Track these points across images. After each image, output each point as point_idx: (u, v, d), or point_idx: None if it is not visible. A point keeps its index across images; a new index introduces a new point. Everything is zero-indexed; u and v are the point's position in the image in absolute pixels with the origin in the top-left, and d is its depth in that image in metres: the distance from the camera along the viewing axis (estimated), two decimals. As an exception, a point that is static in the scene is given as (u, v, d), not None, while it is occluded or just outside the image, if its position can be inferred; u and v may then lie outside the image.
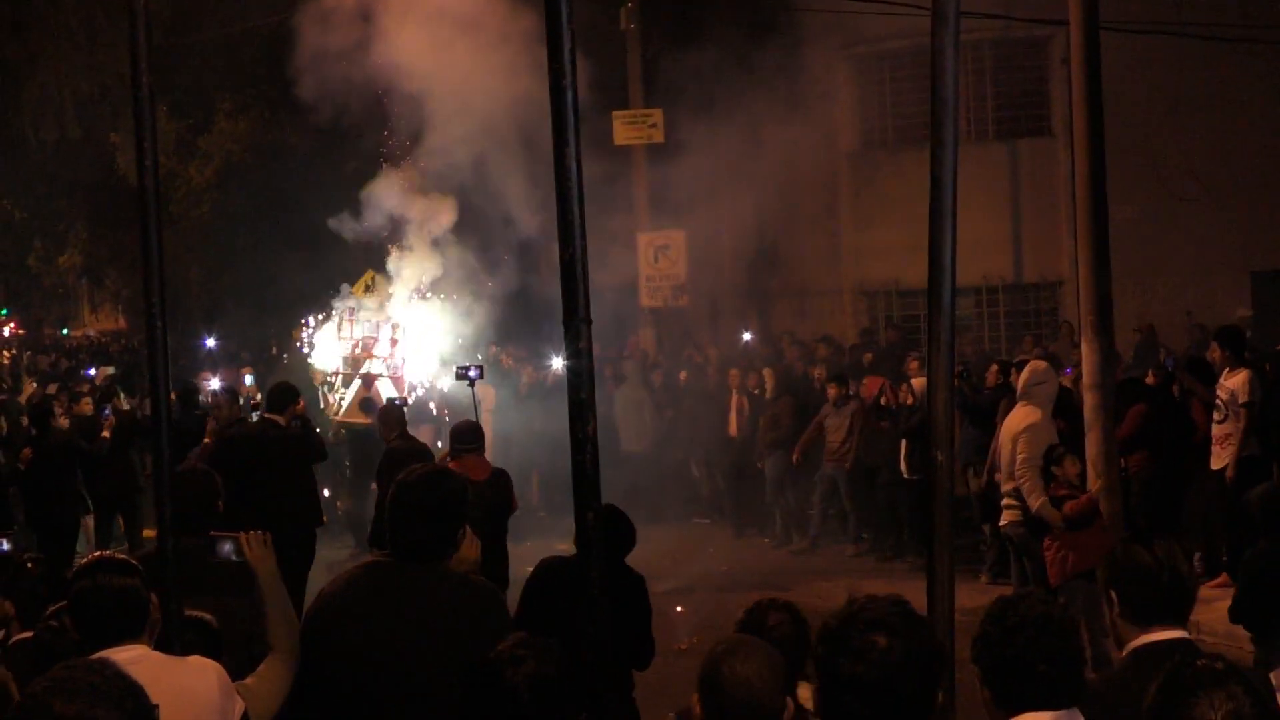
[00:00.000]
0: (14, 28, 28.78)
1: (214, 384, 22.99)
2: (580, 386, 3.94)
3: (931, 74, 5.72)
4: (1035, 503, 13.35)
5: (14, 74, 29.60)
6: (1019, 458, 13.57)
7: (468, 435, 12.82)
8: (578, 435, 3.94)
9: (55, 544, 16.10)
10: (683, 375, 24.30)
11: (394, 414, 16.41)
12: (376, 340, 21.47)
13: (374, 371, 21.09)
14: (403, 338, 21.65)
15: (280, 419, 16.35)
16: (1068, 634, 5.04)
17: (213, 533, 6.95)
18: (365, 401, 20.27)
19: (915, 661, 4.15)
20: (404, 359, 21.60)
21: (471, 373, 16.52)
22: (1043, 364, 14.88)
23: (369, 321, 21.91)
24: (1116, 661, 5.56)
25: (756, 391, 21.81)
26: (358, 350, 21.57)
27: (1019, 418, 13.91)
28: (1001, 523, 14.30)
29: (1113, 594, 5.65)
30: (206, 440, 18.16)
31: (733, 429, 22.42)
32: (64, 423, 19.13)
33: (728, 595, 16.03)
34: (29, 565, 7.46)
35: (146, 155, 5.70)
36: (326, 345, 22.43)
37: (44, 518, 16.95)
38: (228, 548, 6.69)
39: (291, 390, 17.47)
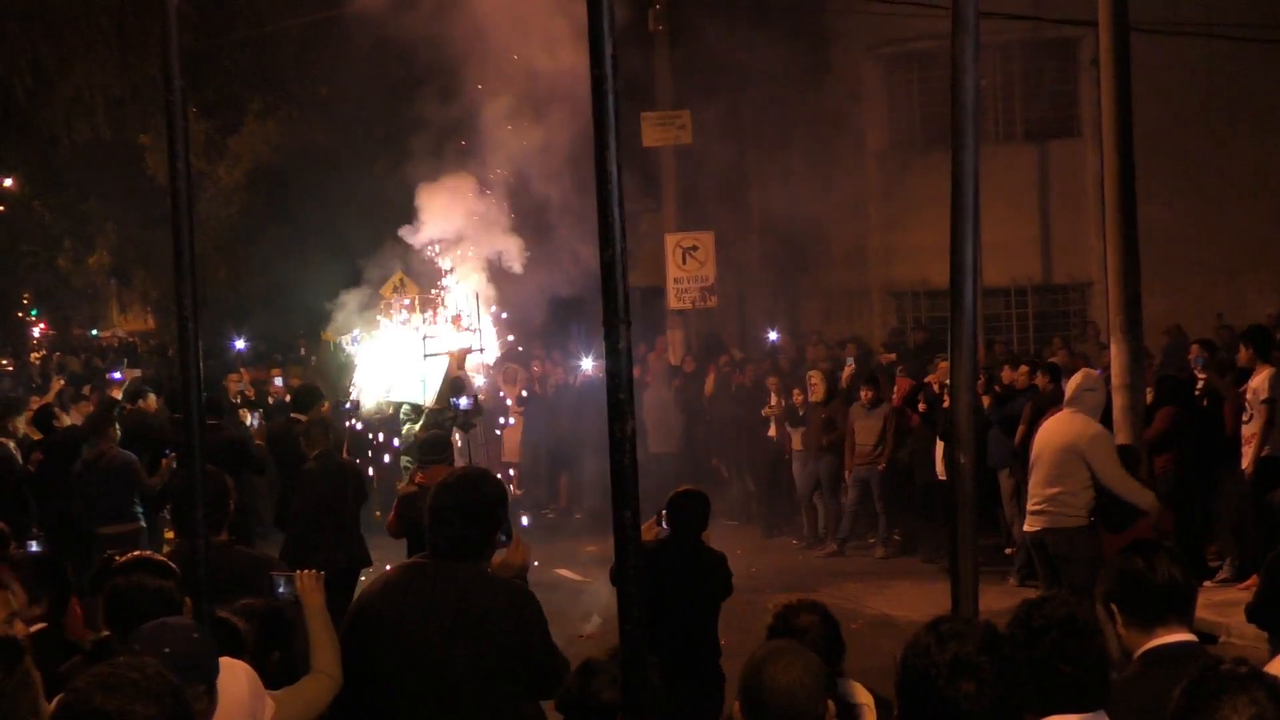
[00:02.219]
0: (45, 28, 28.85)
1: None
2: (619, 388, 3.94)
3: (951, 78, 5.72)
4: (1147, 501, 13.22)
5: (46, 74, 29.67)
6: (1107, 475, 13.21)
7: (435, 447, 12.71)
8: (616, 436, 3.94)
9: (67, 545, 16.12)
10: (710, 377, 24.31)
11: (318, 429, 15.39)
12: (462, 315, 19.42)
13: (468, 346, 18.97)
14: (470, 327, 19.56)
15: (305, 419, 16.40)
16: (1093, 636, 5.05)
17: (271, 573, 7.08)
18: (456, 382, 18.32)
19: (1004, 710, 4.15)
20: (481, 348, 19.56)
21: (463, 402, 16.57)
22: (1094, 372, 14.70)
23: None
24: (1126, 668, 5.56)
25: (800, 399, 21.55)
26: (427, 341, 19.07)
27: (1073, 429, 13.42)
28: (1030, 528, 13.96)
29: (1113, 606, 5.67)
30: (259, 442, 18.33)
31: (772, 430, 22.39)
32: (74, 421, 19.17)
33: (758, 597, 15.99)
34: (36, 556, 7.50)
35: (178, 157, 5.74)
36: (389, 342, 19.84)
37: (54, 519, 16.98)
38: (282, 590, 6.81)
39: (318, 391, 17.54)
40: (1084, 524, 13.25)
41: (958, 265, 5.72)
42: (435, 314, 19.45)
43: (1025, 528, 13.99)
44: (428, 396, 18.58)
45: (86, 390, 25.78)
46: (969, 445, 5.81)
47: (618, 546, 4.08)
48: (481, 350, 19.34)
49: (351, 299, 21.54)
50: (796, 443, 21.36)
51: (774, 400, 22.19)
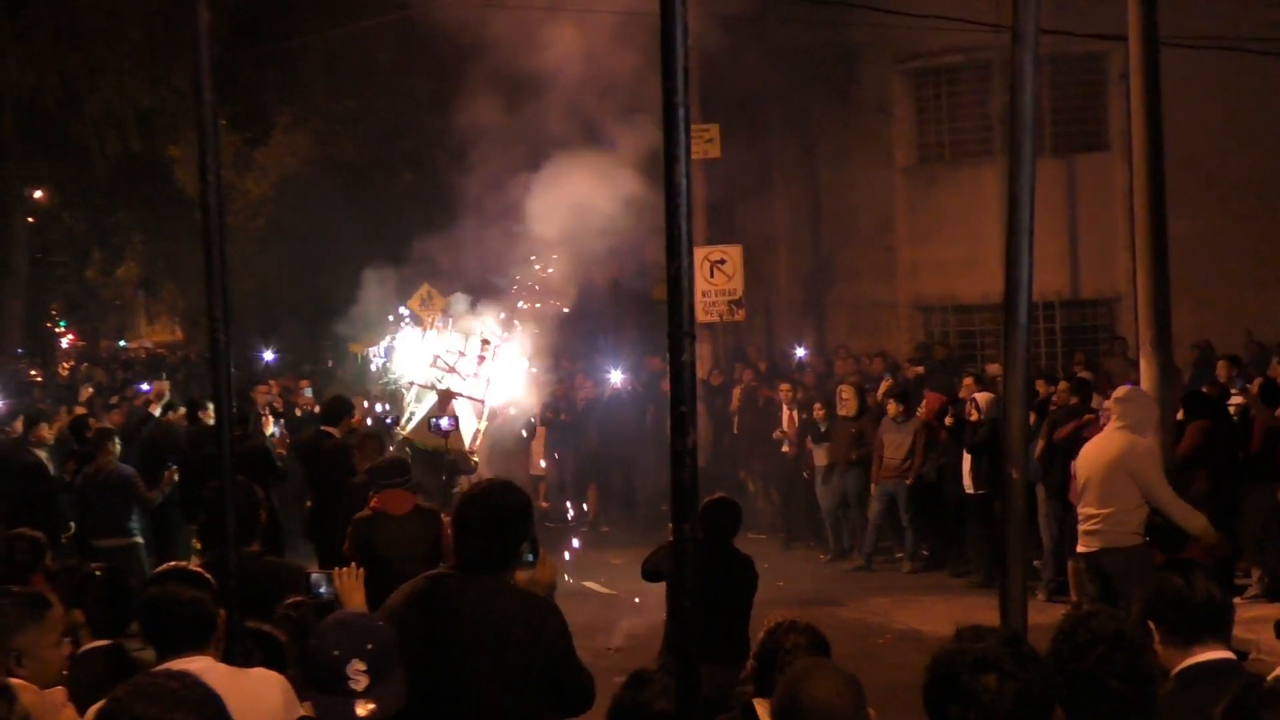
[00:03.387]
0: (75, 41, 28.97)
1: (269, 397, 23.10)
2: (682, 399, 3.94)
3: (1010, 92, 5.72)
4: (1196, 526, 12.83)
5: (76, 87, 29.79)
6: (1153, 493, 12.97)
7: (389, 470, 12.38)
8: (677, 448, 3.95)
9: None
10: (736, 390, 24.32)
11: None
12: (463, 354, 19.00)
13: (453, 389, 18.49)
14: (492, 356, 19.23)
15: (335, 431, 16.43)
16: (1141, 651, 5.03)
17: (310, 572, 7.10)
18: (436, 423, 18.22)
19: (1028, 703, 4.12)
20: (489, 380, 19.13)
21: (445, 424, 16.56)
22: (1138, 389, 14.49)
23: (457, 333, 19.55)
24: (1164, 686, 5.53)
25: (821, 413, 21.51)
26: (439, 362, 19.12)
27: (1118, 446, 13.19)
28: (1085, 549, 13.74)
29: (1151, 625, 5.65)
30: (280, 451, 18.36)
31: (786, 446, 22.40)
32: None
33: (786, 610, 15.98)
34: (97, 573, 7.51)
35: (210, 170, 5.75)
36: (407, 350, 20.18)
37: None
38: (323, 590, 6.83)
39: (347, 403, 17.56)
40: (1139, 542, 13.08)
41: (1013, 280, 5.72)
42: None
43: (1080, 548, 13.77)
44: (410, 425, 18.62)
45: (114, 400, 25.88)
46: (1020, 460, 5.81)
47: (675, 559, 4.08)
48: (481, 402, 18.84)
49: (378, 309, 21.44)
50: (820, 458, 21.33)
51: (786, 414, 22.20)
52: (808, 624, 6.75)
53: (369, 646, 5.33)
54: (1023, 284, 5.75)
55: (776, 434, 22.26)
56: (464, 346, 19.11)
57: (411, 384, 19.27)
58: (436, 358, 19.01)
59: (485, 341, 19.03)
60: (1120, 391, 13.92)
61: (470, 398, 18.63)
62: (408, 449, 18.65)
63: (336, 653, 5.31)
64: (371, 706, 5.26)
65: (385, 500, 11.86)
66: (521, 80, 20.51)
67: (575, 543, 21.30)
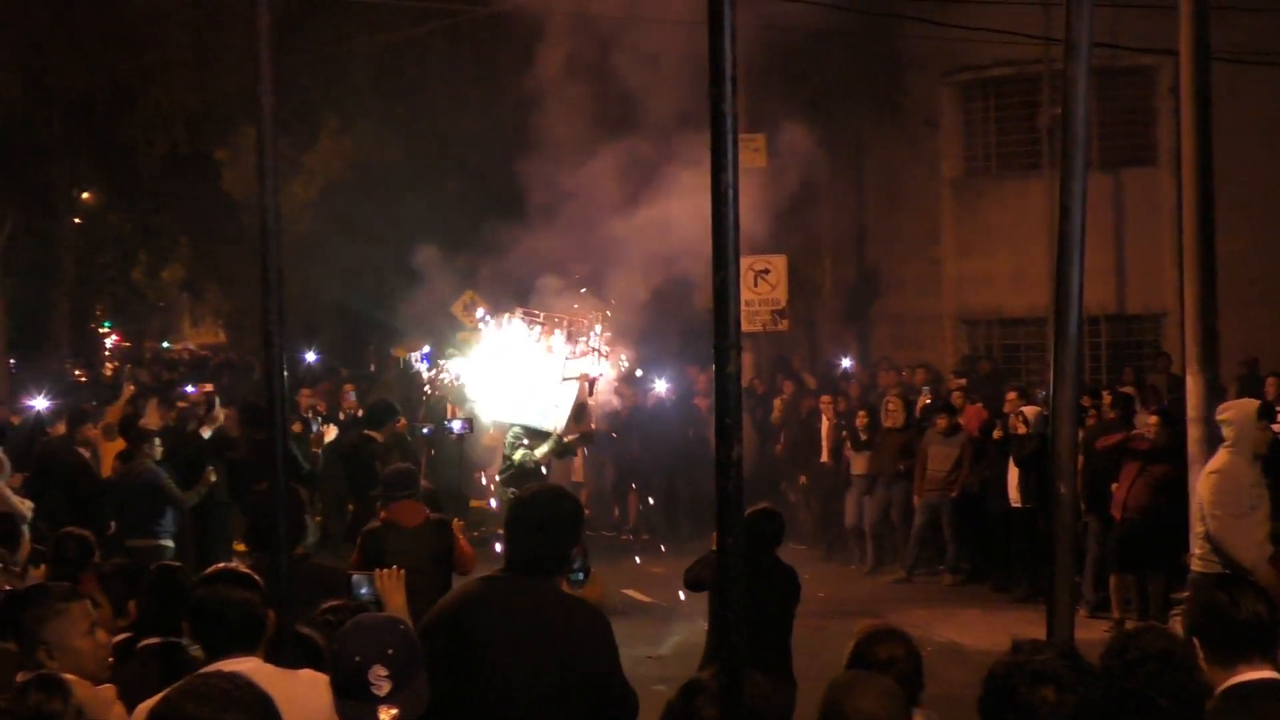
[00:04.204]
0: (126, 43, 29.10)
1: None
2: (727, 410, 3.92)
3: (1063, 105, 5.73)
4: (1247, 558, 11.80)
5: (126, 89, 29.92)
6: (1208, 517, 12.51)
7: (399, 481, 12.09)
8: (722, 459, 3.92)
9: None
10: (778, 401, 24.30)
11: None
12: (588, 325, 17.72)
13: (589, 373, 17.49)
14: (589, 338, 17.82)
15: (379, 435, 16.44)
16: (1190, 670, 5.02)
17: (352, 574, 7.12)
18: (581, 409, 17.63)
19: (1085, 716, 4.12)
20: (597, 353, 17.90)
21: (456, 426, 16.38)
22: (1248, 403, 13.83)
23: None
24: (1208, 704, 5.50)
25: (863, 421, 21.49)
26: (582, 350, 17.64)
27: (1210, 465, 12.62)
28: (1193, 569, 13.34)
29: (1195, 641, 5.61)
30: (315, 451, 18.38)
31: (825, 455, 22.40)
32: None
33: (826, 623, 15.98)
34: (155, 571, 7.56)
35: (267, 175, 5.77)
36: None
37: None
38: (365, 591, 6.85)
39: (391, 407, 17.54)
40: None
41: (1064, 294, 5.71)
42: (569, 334, 17.80)
43: (1192, 567, 13.56)
44: (557, 422, 17.28)
45: (156, 402, 25.97)
46: (1069, 475, 5.80)
47: (720, 571, 4.07)
48: (598, 378, 17.84)
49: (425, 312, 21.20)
50: (859, 466, 21.33)
51: (826, 425, 22.21)
52: (902, 632, 6.55)
53: (390, 651, 5.34)
54: (1073, 297, 5.74)
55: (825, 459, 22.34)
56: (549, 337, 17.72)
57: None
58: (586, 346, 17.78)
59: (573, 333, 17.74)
60: (1231, 405, 13.33)
61: (588, 377, 17.53)
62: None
63: (358, 657, 5.31)
64: (394, 711, 5.26)
65: (396, 512, 11.69)
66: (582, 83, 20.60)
67: (618, 551, 21.29)
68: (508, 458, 17.36)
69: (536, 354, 17.46)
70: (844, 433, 21.88)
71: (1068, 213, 5.70)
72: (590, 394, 17.34)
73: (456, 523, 11.77)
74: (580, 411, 17.06)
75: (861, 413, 21.55)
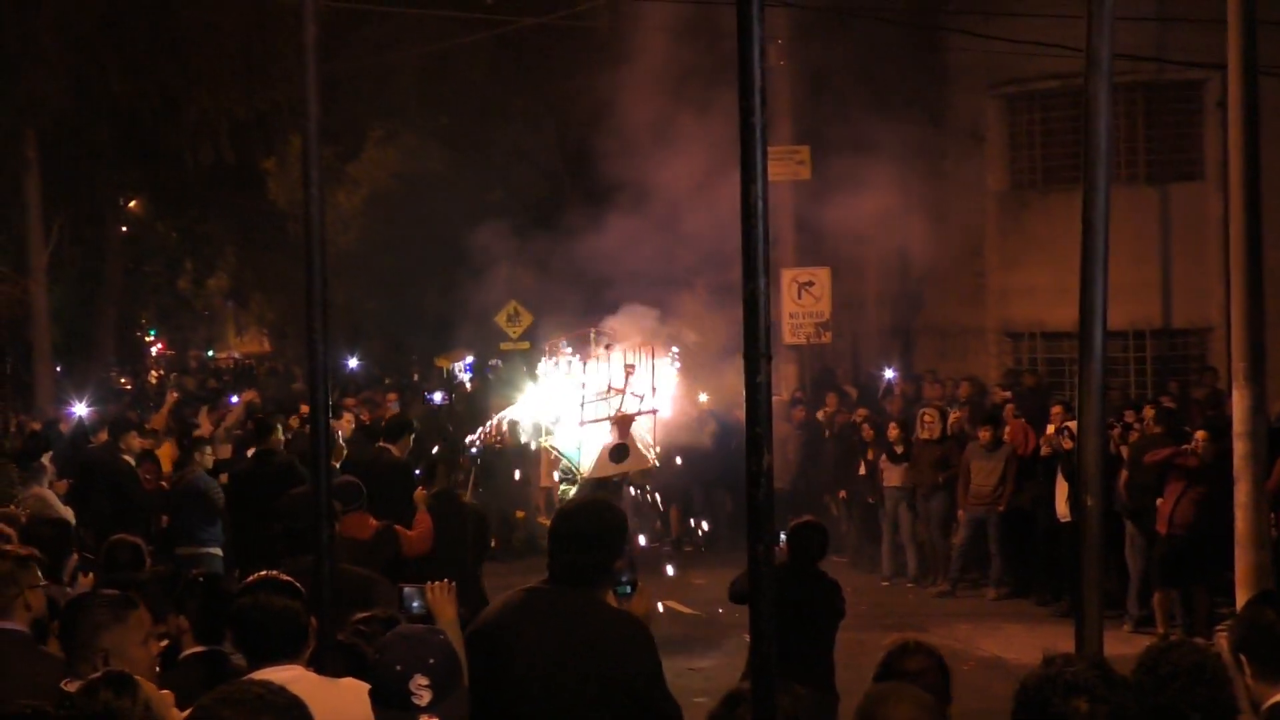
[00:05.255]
0: (174, 53, 29.26)
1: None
2: (758, 421, 3.91)
3: (1085, 118, 5.68)
4: None
5: (173, 97, 30.07)
6: None
7: (347, 494, 11.94)
8: (753, 469, 3.91)
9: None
10: (821, 414, 24.29)
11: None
12: (635, 370, 16.41)
13: (629, 411, 16.34)
14: (642, 366, 16.72)
15: (395, 448, 16.44)
16: (1222, 684, 4.99)
17: (404, 586, 7.13)
18: (618, 449, 16.52)
19: None
20: (654, 388, 16.77)
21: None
22: None
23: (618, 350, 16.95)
24: None
25: (896, 434, 21.46)
26: (609, 391, 16.56)
27: None
28: None
29: (1242, 658, 5.57)
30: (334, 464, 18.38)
31: (862, 468, 22.39)
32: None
33: (867, 635, 15.93)
34: (200, 580, 7.58)
35: (313, 184, 5.78)
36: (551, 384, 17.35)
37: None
38: (416, 604, 6.87)
39: (408, 424, 17.47)
40: None
41: (1087, 308, 5.68)
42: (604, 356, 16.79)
43: None
44: (583, 463, 16.48)
45: (207, 410, 26.09)
46: (1096, 487, 5.78)
47: (752, 581, 4.07)
48: (654, 412, 16.73)
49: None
50: (893, 478, 21.30)
51: (866, 433, 22.20)
52: (930, 645, 6.56)
53: (431, 661, 5.34)
54: (1097, 312, 5.73)
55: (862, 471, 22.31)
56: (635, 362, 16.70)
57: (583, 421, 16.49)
58: (611, 387, 16.60)
59: (630, 367, 16.48)
60: None
61: (642, 412, 16.53)
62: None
63: (399, 667, 5.33)
64: None
65: (349, 525, 11.58)
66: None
67: (660, 562, 21.25)
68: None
69: (572, 387, 16.68)
70: (869, 447, 21.86)
71: (1090, 228, 5.68)
72: (624, 435, 16.22)
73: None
74: (621, 452, 16.14)
75: (893, 426, 21.51)
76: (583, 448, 16.43)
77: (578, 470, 16.59)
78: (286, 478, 15.94)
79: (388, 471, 15.46)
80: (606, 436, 16.24)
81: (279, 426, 17.88)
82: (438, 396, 16.54)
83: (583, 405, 16.07)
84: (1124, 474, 17.60)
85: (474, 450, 19.94)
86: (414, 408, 26.35)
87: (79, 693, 5.23)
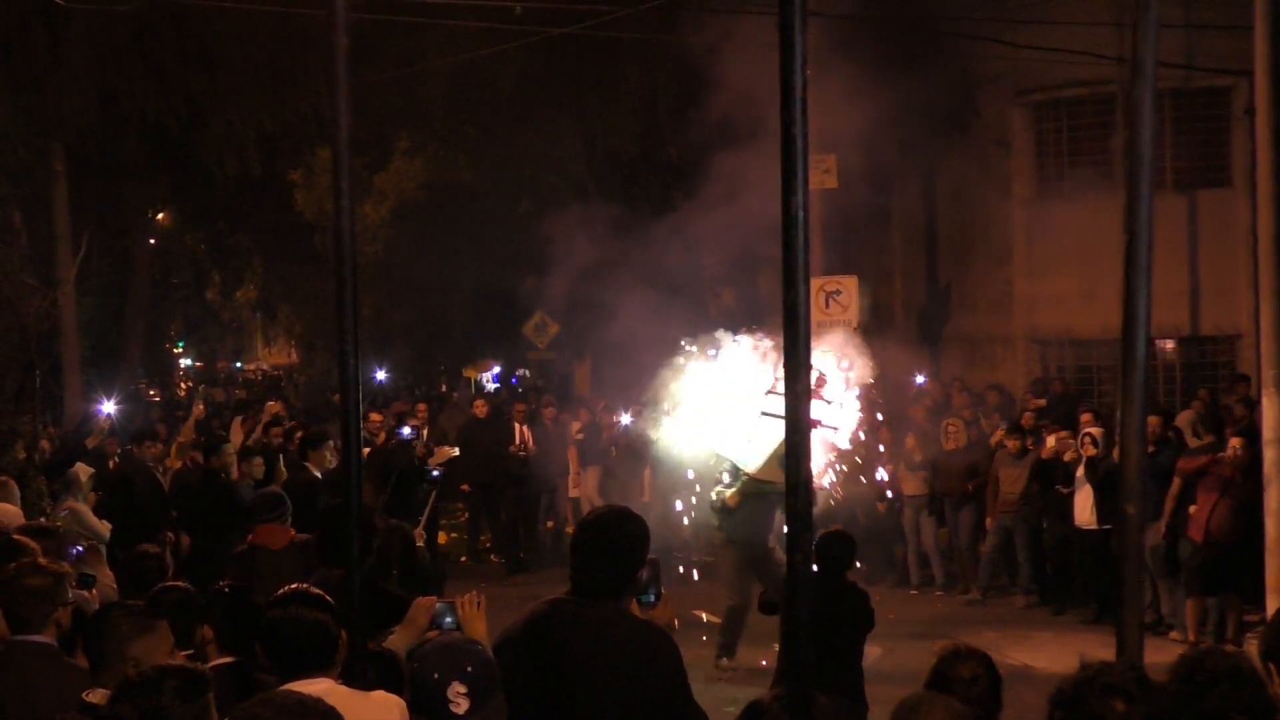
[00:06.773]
0: (201, 63, 29.32)
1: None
2: (797, 430, 3.92)
3: (1129, 126, 5.68)
4: None
5: (200, 109, 30.14)
6: None
7: (268, 505, 12.31)
8: (792, 479, 3.91)
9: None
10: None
11: None
12: (825, 381, 15.29)
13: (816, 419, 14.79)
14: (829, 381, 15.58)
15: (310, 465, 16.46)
16: (1261, 684, 4.98)
17: (435, 601, 7.15)
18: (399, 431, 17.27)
19: None
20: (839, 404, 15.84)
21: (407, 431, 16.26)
22: None
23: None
24: None
25: (912, 443, 21.44)
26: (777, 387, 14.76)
27: None
28: None
29: (1271, 666, 5.56)
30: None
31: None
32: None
33: (897, 644, 15.95)
34: (225, 590, 7.60)
35: (343, 195, 5.79)
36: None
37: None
38: (448, 620, 6.89)
39: (323, 434, 17.49)
40: None
41: (1131, 317, 5.67)
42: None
43: None
44: (753, 460, 15.64)
45: (240, 420, 26.16)
46: (1138, 496, 5.77)
47: (789, 589, 4.07)
48: (836, 430, 15.71)
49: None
50: (910, 488, 21.28)
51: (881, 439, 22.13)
52: (981, 652, 6.54)
53: (469, 669, 5.36)
54: (1140, 322, 5.71)
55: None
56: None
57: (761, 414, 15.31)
58: (777, 381, 14.93)
59: (821, 375, 15.30)
60: None
61: (824, 424, 15.35)
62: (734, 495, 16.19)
63: (437, 675, 5.34)
64: None
65: (263, 535, 11.90)
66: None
67: (687, 571, 21.23)
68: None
69: (748, 382, 15.62)
70: (885, 455, 21.85)
71: (1134, 237, 5.66)
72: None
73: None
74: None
75: (910, 435, 21.47)
76: (752, 441, 15.49)
77: (741, 468, 15.75)
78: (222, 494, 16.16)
79: (306, 487, 15.39)
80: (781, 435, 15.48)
81: (228, 446, 18.09)
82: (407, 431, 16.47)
83: (768, 394, 14.93)
84: (1176, 482, 17.55)
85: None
86: (450, 416, 26.47)
87: (143, 685, 5.17)
